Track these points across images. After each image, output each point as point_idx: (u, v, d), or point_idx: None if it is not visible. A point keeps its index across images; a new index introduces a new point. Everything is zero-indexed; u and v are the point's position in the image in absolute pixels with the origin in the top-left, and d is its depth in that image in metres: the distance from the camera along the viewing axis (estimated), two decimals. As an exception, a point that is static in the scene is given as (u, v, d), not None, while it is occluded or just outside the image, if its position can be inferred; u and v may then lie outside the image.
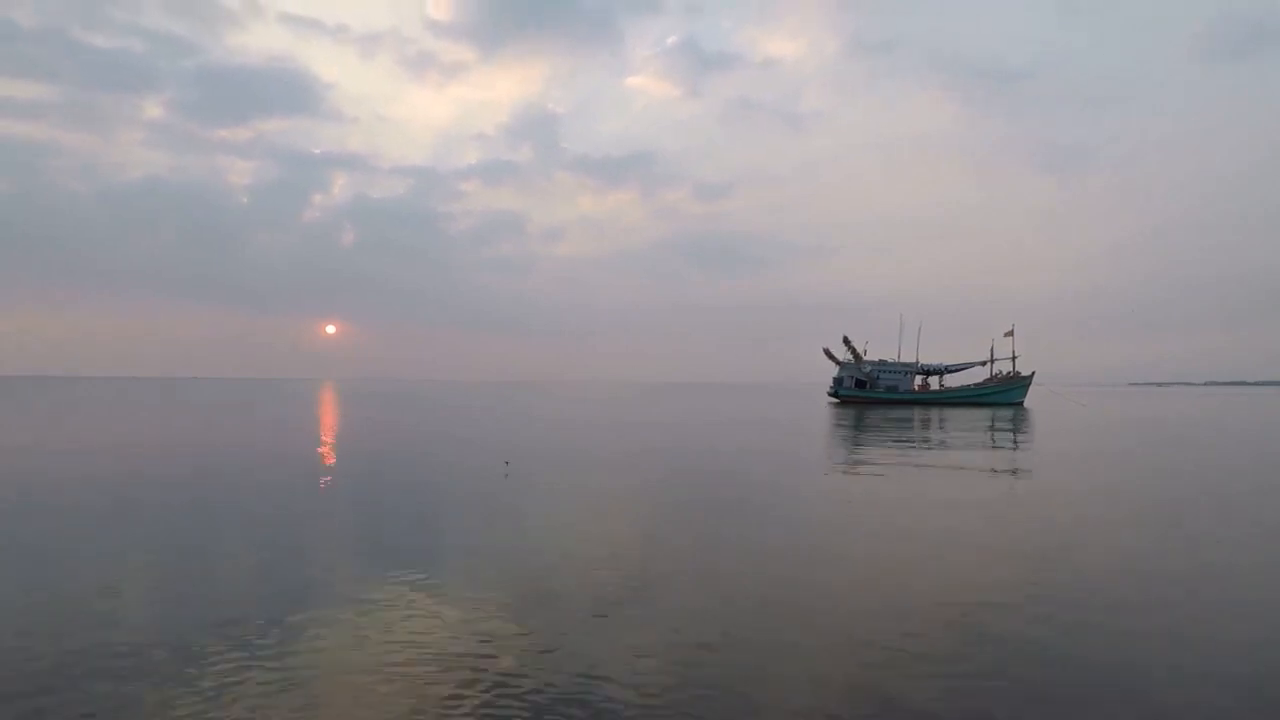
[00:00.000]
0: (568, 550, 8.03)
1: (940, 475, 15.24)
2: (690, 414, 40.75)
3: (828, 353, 64.21)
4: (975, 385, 62.32)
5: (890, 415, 40.30)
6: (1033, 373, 60.95)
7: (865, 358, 62.82)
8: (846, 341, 63.15)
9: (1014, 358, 61.02)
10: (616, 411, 43.72)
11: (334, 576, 6.91)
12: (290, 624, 5.49)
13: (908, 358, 63.56)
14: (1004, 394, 60.20)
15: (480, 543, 8.47)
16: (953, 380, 63.39)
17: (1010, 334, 61.21)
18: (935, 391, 62.50)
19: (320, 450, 19.59)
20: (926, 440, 23.87)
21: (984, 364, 62.05)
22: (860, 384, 61.82)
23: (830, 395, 63.31)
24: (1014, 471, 16.07)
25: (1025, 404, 58.60)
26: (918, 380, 62.73)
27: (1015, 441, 23.92)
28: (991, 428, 30.67)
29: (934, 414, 42.97)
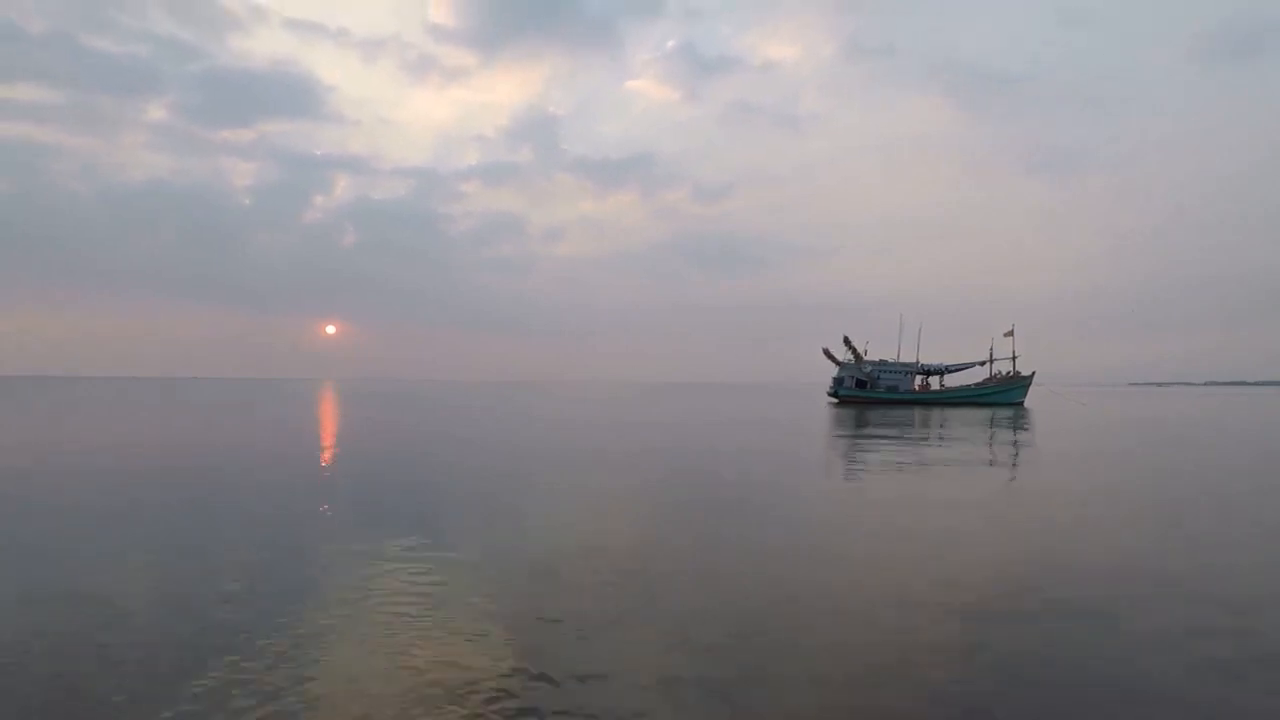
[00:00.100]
0: (568, 550, 8.03)
1: (940, 475, 15.23)
2: (690, 414, 40.74)
3: (827, 353, 64.19)
4: (975, 385, 62.32)
5: (890, 415, 40.30)
6: (1033, 373, 60.95)
7: (865, 358, 62.83)
8: (847, 341, 63.14)
9: (1014, 358, 61.04)
10: (616, 411, 43.71)
11: (334, 576, 6.91)
12: (290, 624, 5.49)
13: (908, 358, 63.57)
14: (1004, 394, 60.20)
15: (480, 543, 8.46)
16: (953, 380, 63.39)
17: (1010, 334, 61.25)
18: (935, 392, 62.49)
19: (320, 450, 19.59)
20: (926, 440, 23.87)
21: (983, 364, 62.08)
22: (860, 384, 61.80)
23: (830, 395, 63.27)
24: (1014, 471, 16.07)
25: (1025, 404, 58.61)
26: (918, 380, 62.73)
27: (1015, 441, 23.91)
28: (991, 428, 30.67)
29: (934, 414, 42.97)
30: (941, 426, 31.19)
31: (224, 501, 11.22)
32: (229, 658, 4.81)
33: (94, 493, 12.13)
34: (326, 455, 18.36)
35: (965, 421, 35.05)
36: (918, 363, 63.13)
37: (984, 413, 45.12)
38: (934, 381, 63.18)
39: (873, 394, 61.29)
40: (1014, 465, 17.17)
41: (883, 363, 62.90)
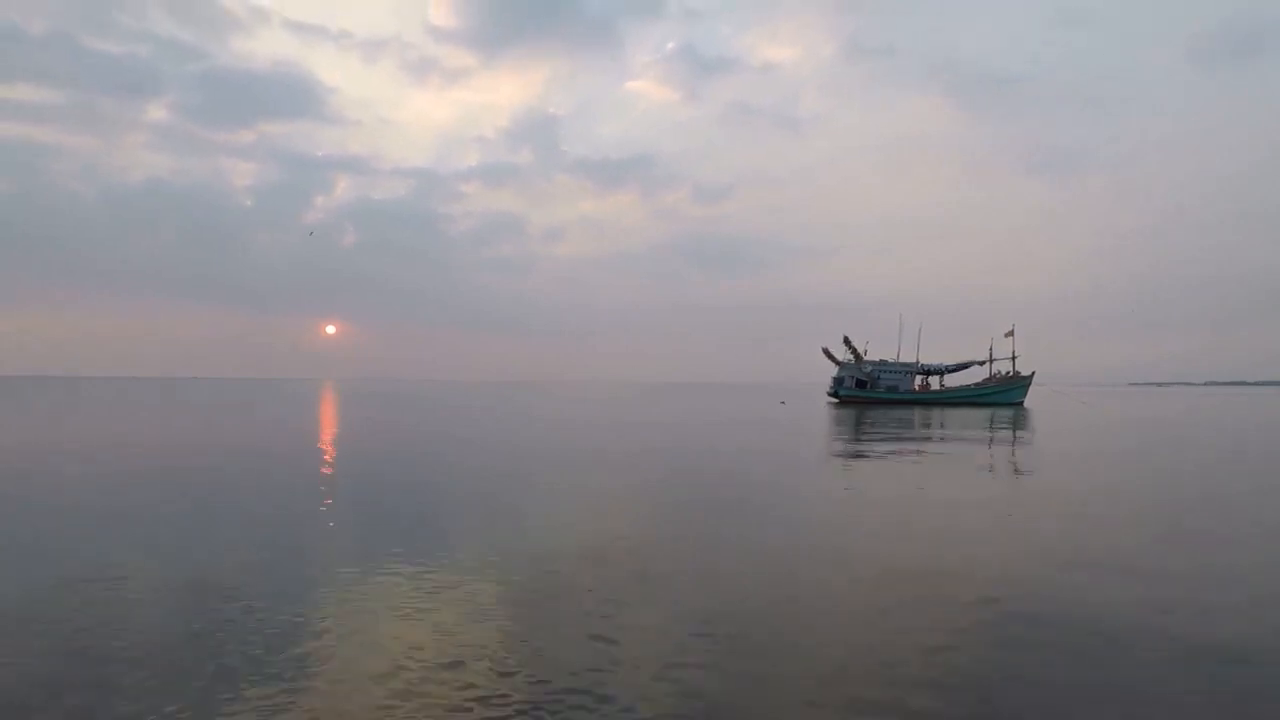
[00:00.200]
0: (568, 550, 8.03)
1: (940, 475, 15.23)
2: (690, 414, 40.75)
3: (827, 352, 64.19)
4: (975, 385, 62.34)
5: (891, 415, 40.31)
6: (1033, 373, 60.98)
7: (866, 358, 62.83)
8: (847, 341, 63.15)
9: (1014, 358, 61.07)
10: (616, 411, 43.71)
11: (334, 576, 6.91)
12: (290, 624, 5.48)
13: (908, 358, 63.61)
14: (1004, 394, 60.22)
15: (480, 543, 8.46)
16: (953, 380, 63.42)
17: (1010, 334, 61.29)
18: (935, 392, 62.51)
19: (320, 450, 19.59)
20: (926, 440, 23.86)
21: (983, 364, 62.10)
22: (861, 384, 61.80)
23: (830, 395, 63.26)
24: (1014, 471, 16.07)
25: (1025, 404, 58.62)
26: (918, 380, 62.76)
27: (1015, 442, 23.91)
28: (991, 428, 30.67)
29: (934, 414, 42.98)
30: (941, 427, 31.20)
31: (224, 501, 11.22)
32: (229, 657, 4.80)
33: (94, 493, 12.13)
34: (326, 455, 18.36)
35: (965, 422, 35.05)
36: (918, 363, 63.16)
37: (984, 413, 45.13)
38: (934, 381, 63.20)
39: (873, 394, 61.29)
40: (1014, 465, 17.17)
41: (883, 363, 62.91)
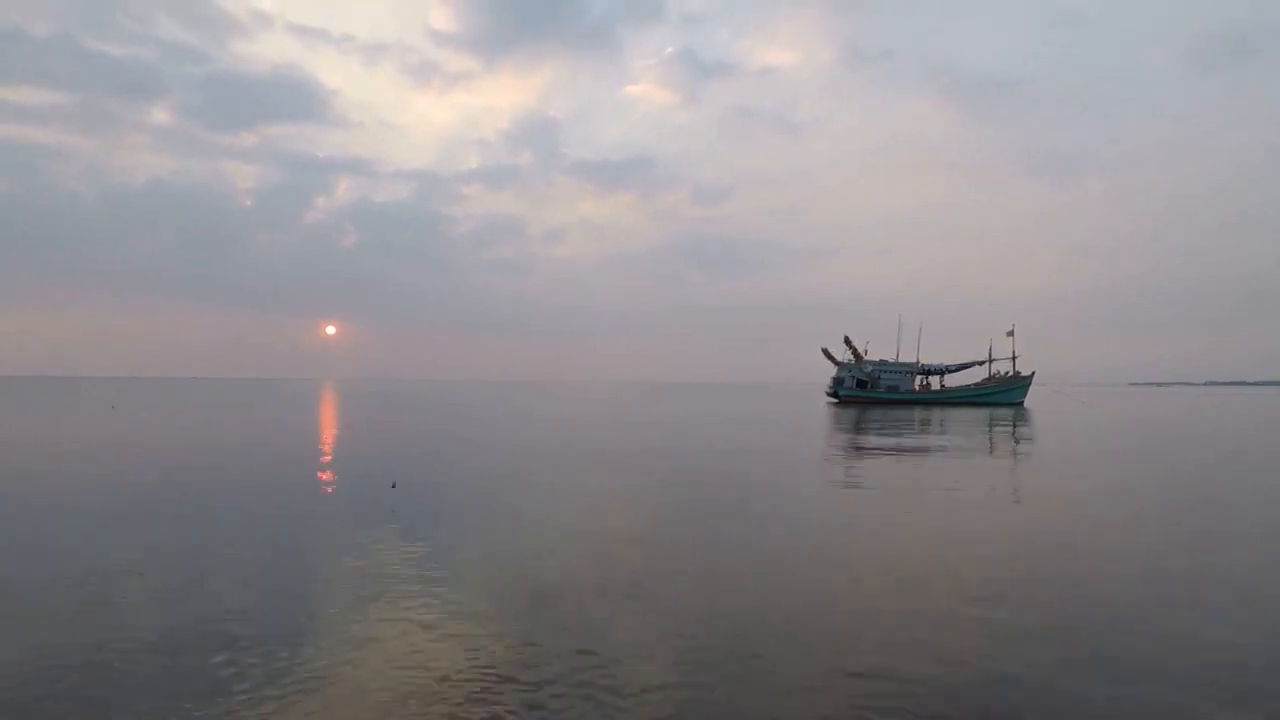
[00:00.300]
0: (568, 550, 8.03)
1: (940, 475, 15.23)
2: (690, 414, 40.74)
3: (826, 353, 64.20)
4: (975, 385, 62.35)
5: (890, 415, 40.31)
6: (1033, 373, 61.01)
7: (866, 358, 62.83)
8: (848, 341, 63.16)
9: (1014, 358, 61.08)
10: (616, 411, 43.71)
11: (334, 576, 6.91)
12: (289, 624, 5.49)
13: (908, 358, 63.63)
14: (1004, 394, 60.23)
15: (481, 542, 8.46)
16: (953, 380, 63.43)
17: (1011, 334, 61.34)
18: (935, 392, 62.51)
19: (320, 450, 19.59)
20: (926, 440, 23.86)
21: (983, 364, 62.11)
22: (861, 384, 61.81)
23: (829, 395, 63.23)
24: (1014, 471, 16.06)
25: (1025, 404, 58.63)
26: (918, 380, 62.75)
27: (1015, 441, 23.91)
28: (991, 428, 30.67)
29: (934, 414, 42.97)
30: (942, 427, 31.19)
31: (224, 501, 11.22)
32: (229, 657, 4.80)
33: (94, 493, 12.12)
34: (326, 455, 18.35)
35: (965, 422, 35.05)
36: (918, 363, 63.15)
37: (984, 413, 45.12)
38: (934, 382, 63.19)
39: (873, 394, 61.29)
40: (1014, 465, 17.17)
41: (883, 363, 62.91)
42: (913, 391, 62.06)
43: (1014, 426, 31.65)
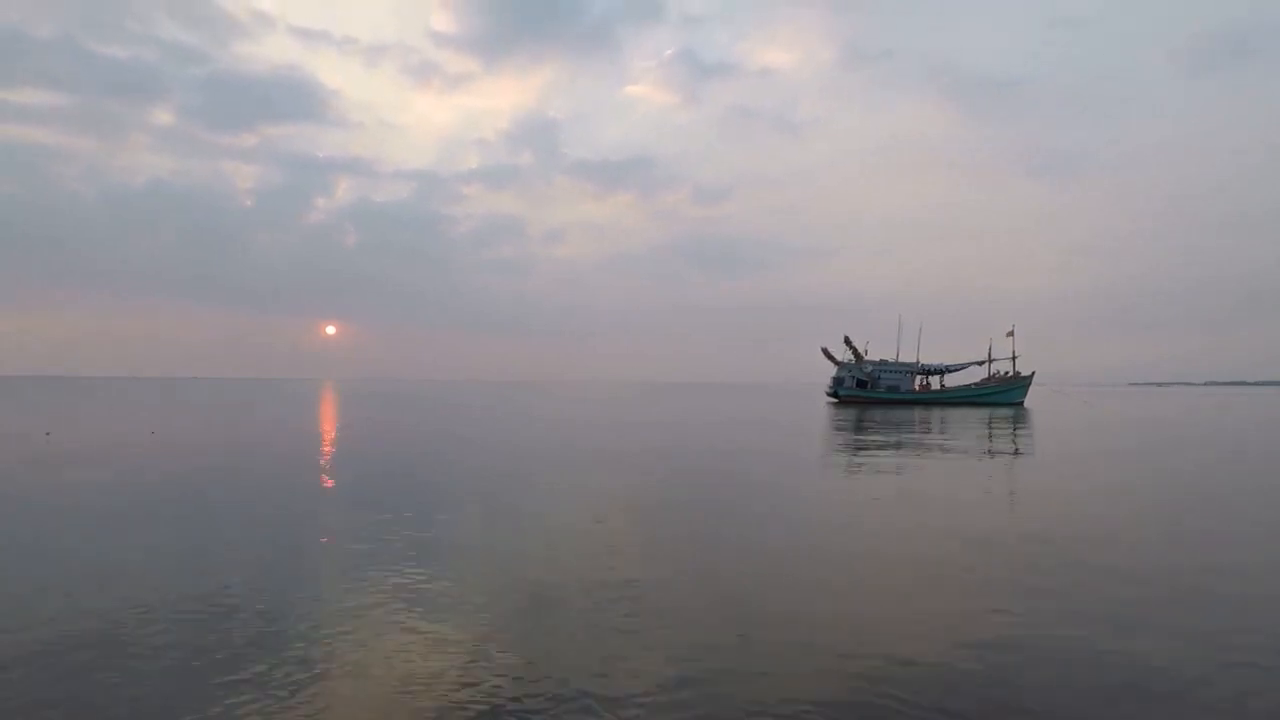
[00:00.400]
0: (567, 550, 8.03)
1: (940, 475, 15.22)
2: (690, 414, 40.74)
3: (826, 352, 64.20)
4: (975, 385, 62.37)
5: (891, 415, 40.31)
6: (1033, 373, 61.03)
7: (866, 358, 62.84)
8: (848, 341, 63.17)
9: (1014, 357, 61.11)
10: (616, 411, 43.71)
11: (334, 576, 6.91)
12: (290, 624, 5.48)
13: (908, 358, 63.64)
14: (1004, 394, 60.25)
15: (481, 542, 8.47)
16: (953, 380, 63.45)
17: (1011, 334, 61.37)
18: (935, 392, 62.53)
19: (320, 450, 19.59)
20: (927, 440, 23.86)
21: (982, 364, 62.14)
22: (861, 384, 61.81)
23: (829, 395, 63.22)
24: (1014, 471, 16.06)
25: (1025, 404, 58.64)
26: (918, 380, 62.76)
27: (1015, 441, 23.91)
28: (991, 428, 30.67)
29: (934, 414, 42.97)
30: (942, 427, 31.19)
31: (224, 501, 11.22)
32: (229, 657, 4.80)
33: (94, 492, 12.12)
34: (327, 455, 18.35)
35: (965, 422, 35.05)
36: (918, 363, 63.16)
37: (984, 413, 45.12)
38: (934, 382, 63.19)
39: (873, 394, 61.30)
40: (1014, 465, 17.17)
41: (883, 363, 62.93)
42: (913, 391, 62.07)
43: (1014, 426, 31.65)
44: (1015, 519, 10.19)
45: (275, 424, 30.85)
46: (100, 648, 5.02)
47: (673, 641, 5.19)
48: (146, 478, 13.97)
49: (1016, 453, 20.16)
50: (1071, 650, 5.04)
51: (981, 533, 9.10)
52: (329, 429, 28.16)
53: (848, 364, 62.80)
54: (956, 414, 43.28)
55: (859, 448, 21.15)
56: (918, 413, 44.54)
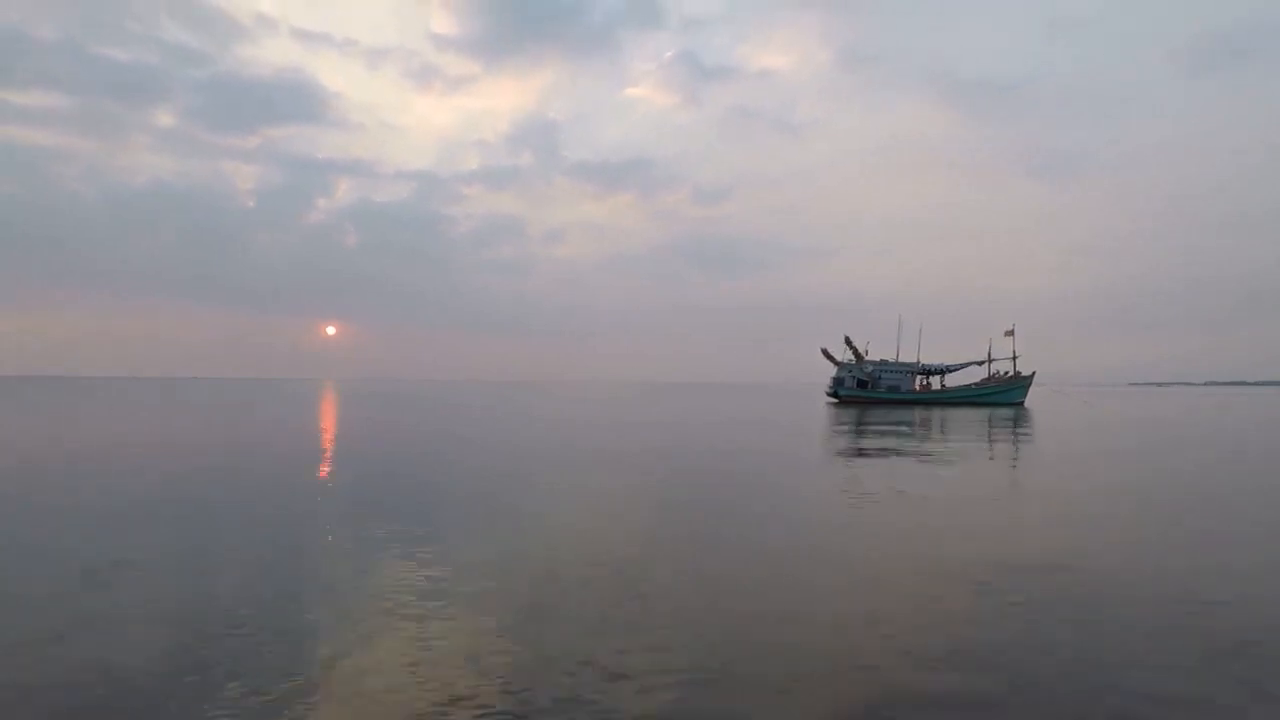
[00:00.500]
0: (568, 550, 8.03)
1: (940, 475, 15.22)
2: (690, 414, 40.74)
3: (826, 353, 64.18)
4: (975, 385, 62.37)
5: (891, 415, 40.30)
6: (1033, 373, 61.03)
7: (866, 358, 62.83)
8: (848, 341, 63.15)
9: (1014, 357, 61.11)
10: (616, 411, 43.71)
11: (334, 576, 6.91)
12: (290, 625, 5.49)
13: (908, 358, 63.64)
14: (1004, 394, 60.26)
15: (481, 542, 8.47)
16: (953, 380, 63.45)
17: (1011, 334, 61.36)
18: (935, 392, 62.53)
19: (320, 450, 19.59)
20: (927, 440, 23.86)
21: (982, 363, 62.15)
22: (861, 384, 61.81)
23: (829, 395, 63.20)
24: (1015, 471, 16.07)
25: (1025, 404, 58.65)
26: (918, 380, 62.77)
27: (1016, 441, 23.91)
28: (991, 428, 30.67)
29: (934, 414, 42.97)
30: (942, 427, 31.19)
31: (224, 501, 11.22)
32: (229, 657, 4.80)
33: (94, 493, 12.12)
34: (326, 455, 18.35)
35: (965, 422, 35.05)
36: (918, 363, 63.16)
37: (984, 413, 45.12)
38: (934, 382, 63.19)
39: (873, 394, 61.29)
40: (1014, 465, 17.17)
41: (883, 363, 62.92)
42: (913, 391, 62.06)
43: (1014, 427, 31.65)
44: (1015, 519, 10.19)
45: (275, 424, 30.85)
46: (100, 648, 5.02)
47: (673, 641, 5.19)
48: (146, 478, 13.96)
49: (1017, 453, 20.17)
50: (1073, 650, 5.04)
51: (982, 533, 9.09)
52: (329, 429, 28.16)
53: (848, 364, 62.79)
54: (957, 414, 43.28)
55: (859, 448, 21.14)
56: (918, 413, 44.54)
